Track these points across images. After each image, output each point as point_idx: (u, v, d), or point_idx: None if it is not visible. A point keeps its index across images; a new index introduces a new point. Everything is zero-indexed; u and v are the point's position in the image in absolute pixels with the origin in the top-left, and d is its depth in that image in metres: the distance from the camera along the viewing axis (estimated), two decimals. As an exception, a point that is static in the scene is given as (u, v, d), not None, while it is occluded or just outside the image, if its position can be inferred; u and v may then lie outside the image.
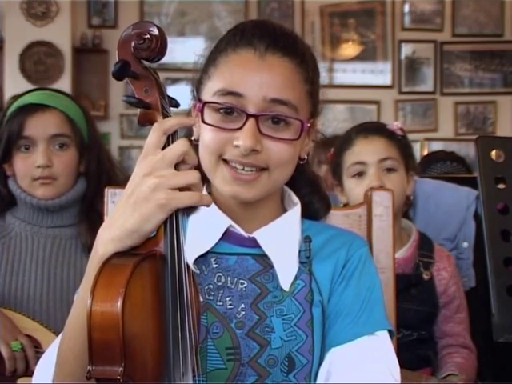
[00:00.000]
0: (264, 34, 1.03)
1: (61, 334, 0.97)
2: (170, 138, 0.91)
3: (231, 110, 1.01)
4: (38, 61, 5.11)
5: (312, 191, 1.17)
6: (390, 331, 1.05)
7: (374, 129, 1.94)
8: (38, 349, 1.58)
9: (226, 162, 1.02)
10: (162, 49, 0.92)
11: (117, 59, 0.91)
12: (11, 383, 1.56)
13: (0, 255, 1.72)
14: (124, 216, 0.87)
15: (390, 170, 1.85)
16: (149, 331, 0.84)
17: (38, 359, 1.09)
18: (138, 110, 0.94)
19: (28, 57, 5.10)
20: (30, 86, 3.34)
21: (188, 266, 0.89)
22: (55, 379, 0.94)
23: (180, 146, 0.89)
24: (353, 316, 1.03)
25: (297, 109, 1.02)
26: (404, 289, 1.81)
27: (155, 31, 0.91)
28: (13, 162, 1.74)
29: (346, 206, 1.87)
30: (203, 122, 1.02)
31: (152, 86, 0.93)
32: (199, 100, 1.06)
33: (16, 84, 4.83)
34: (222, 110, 1.01)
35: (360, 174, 1.86)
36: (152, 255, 0.87)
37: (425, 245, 1.93)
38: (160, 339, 0.85)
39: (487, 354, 1.98)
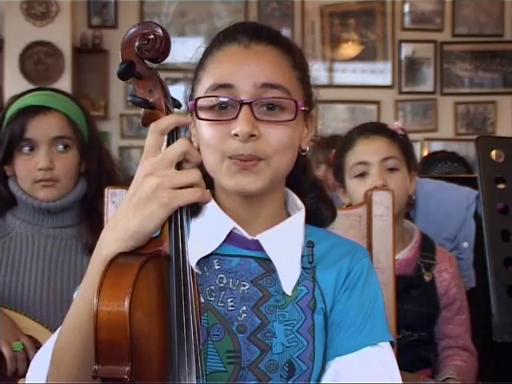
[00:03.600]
0: (246, 29, 1.04)
1: (56, 332, 0.97)
2: (174, 135, 0.91)
3: (225, 105, 1.00)
4: (38, 61, 5.10)
5: (319, 198, 1.15)
6: (391, 342, 1.05)
7: (375, 129, 1.94)
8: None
9: (229, 157, 1.00)
10: (165, 49, 0.92)
11: (118, 59, 0.91)
12: (12, 383, 1.56)
13: (0, 255, 1.71)
14: (127, 217, 0.87)
15: (392, 169, 1.85)
16: (154, 331, 0.84)
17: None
18: (142, 111, 0.93)
19: (28, 57, 5.09)
20: (30, 86, 3.33)
21: (191, 266, 0.89)
22: (49, 378, 0.94)
23: (180, 145, 0.89)
24: (356, 326, 1.02)
25: (289, 92, 1.01)
26: (405, 290, 1.81)
27: (160, 32, 0.91)
28: (14, 164, 1.74)
29: (349, 206, 1.86)
30: (198, 117, 1.01)
31: (156, 86, 0.93)
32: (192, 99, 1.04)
33: (16, 84, 4.82)
34: (216, 107, 1.00)
35: (363, 175, 1.86)
36: (157, 255, 0.87)
37: (427, 246, 1.93)
38: (165, 339, 0.85)
39: (487, 355, 1.98)
